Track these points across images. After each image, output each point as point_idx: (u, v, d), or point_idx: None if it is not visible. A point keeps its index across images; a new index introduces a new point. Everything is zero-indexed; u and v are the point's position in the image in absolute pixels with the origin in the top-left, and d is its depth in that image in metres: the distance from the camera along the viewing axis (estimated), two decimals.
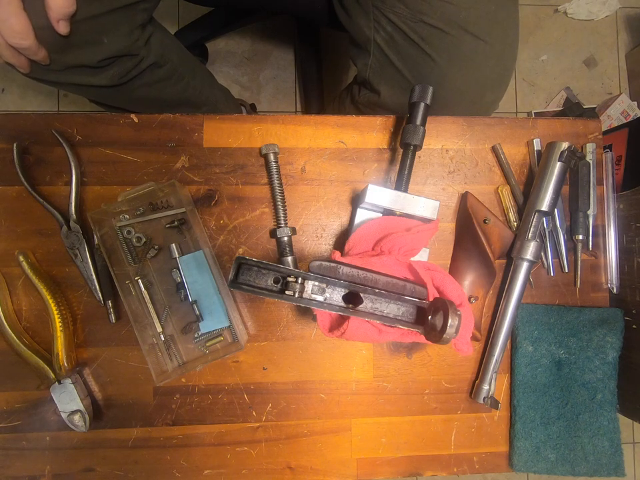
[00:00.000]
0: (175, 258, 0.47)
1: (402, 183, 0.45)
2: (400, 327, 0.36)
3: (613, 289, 0.53)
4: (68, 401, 0.44)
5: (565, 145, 0.47)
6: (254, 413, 0.49)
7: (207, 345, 0.48)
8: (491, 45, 0.55)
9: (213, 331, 0.48)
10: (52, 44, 0.46)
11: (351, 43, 0.66)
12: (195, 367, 0.45)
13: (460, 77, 0.57)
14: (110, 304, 0.46)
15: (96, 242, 0.46)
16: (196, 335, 0.48)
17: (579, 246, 0.52)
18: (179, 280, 0.47)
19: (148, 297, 0.47)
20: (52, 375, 0.45)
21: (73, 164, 0.46)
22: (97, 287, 0.46)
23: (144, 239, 0.47)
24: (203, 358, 0.47)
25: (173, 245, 0.47)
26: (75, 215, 0.46)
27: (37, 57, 0.46)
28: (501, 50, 0.57)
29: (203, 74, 0.79)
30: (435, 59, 0.55)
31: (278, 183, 0.49)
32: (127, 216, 0.47)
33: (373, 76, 0.63)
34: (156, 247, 0.47)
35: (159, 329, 0.47)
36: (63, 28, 0.44)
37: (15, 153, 0.45)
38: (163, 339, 0.47)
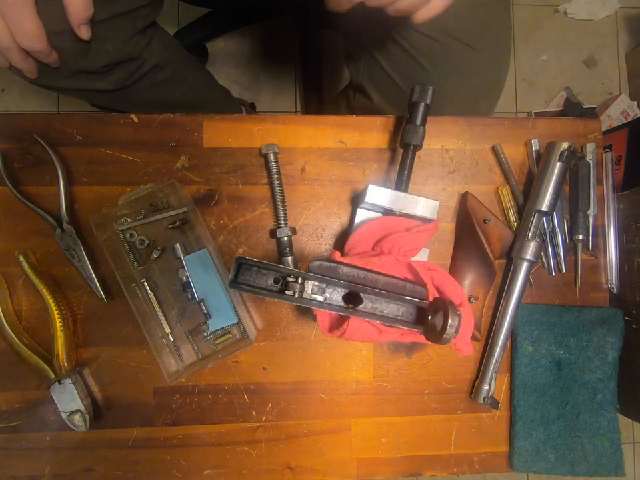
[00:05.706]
0: (180, 258, 0.47)
1: (402, 183, 0.45)
2: (400, 326, 0.36)
3: (613, 289, 0.52)
4: (68, 401, 0.44)
5: (565, 145, 0.47)
6: (254, 413, 0.49)
7: (217, 342, 0.48)
8: (482, 53, 0.54)
9: (222, 328, 0.48)
10: (66, 49, 0.46)
11: (344, 47, 0.66)
12: (206, 364, 0.46)
13: (450, 84, 0.56)
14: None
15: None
16: (205, 334, 0.48)
17: (579, 246, 0.52)
18: (185, 280, 0.47)
19: (154, 298, 0.47)
20: (52, 375, 0.45)
21: (58, 166, 0.46)
22: (98, 286, 0.46)
23: (147, 241, 0.47)
24: (214, 355, 0.47)
25: (177, 245, 0.47)
26: (67, 217, 0.46)
27: (48, 59, 0.46)
28: (491, 58, 0.56)
29: (204, 75, 0.79)
30: (424, 66, 0.55)
31: (278, 183, 0.49)
32: (129, 219, 0.47)
33: (365, 81, 0.63)
34: (159, 248, 0.47)
35: (167, 330, 0.47)
36: (84, 32, 0.44)
37: None
38: (172, 339, 0.47)
